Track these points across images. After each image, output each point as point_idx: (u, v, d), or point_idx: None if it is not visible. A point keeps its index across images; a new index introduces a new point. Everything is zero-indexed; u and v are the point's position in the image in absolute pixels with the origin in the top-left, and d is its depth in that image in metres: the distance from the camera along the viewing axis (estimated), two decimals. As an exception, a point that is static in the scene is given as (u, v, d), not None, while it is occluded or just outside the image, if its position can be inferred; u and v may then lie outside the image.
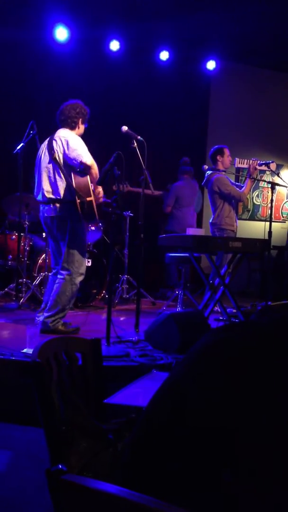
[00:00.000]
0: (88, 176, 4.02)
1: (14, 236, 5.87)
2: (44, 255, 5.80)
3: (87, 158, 3.99)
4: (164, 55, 7.95)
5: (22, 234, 5.71)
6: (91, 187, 4.03)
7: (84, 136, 4.38)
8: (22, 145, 5.31)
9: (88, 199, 3.98)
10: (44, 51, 7.27)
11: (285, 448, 0.72)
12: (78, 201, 3.98)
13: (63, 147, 4.08)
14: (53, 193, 4.13)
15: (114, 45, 7.61)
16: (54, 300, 4.16)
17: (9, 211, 6.03)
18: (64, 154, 4.06)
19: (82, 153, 4.00)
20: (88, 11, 6.91)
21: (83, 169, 4.01)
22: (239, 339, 0.81)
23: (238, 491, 0.72)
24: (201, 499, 0.73)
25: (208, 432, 0.76)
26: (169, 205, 6.86)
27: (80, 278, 4.22)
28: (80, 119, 4.29)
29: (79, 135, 4.28)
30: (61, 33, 7.17)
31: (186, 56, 8.09)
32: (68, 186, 4.04)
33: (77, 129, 4.29)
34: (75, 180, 4.03)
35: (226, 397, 0.76)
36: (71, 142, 4.07)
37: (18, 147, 5.32)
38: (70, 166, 4.06)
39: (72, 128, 4.26)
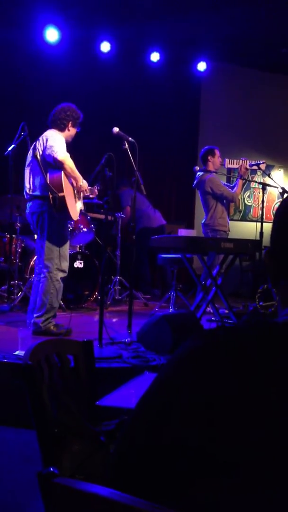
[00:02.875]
0: (62, 172, 4.05)
1: (5, 238, 5.86)
2: (36, 257, 5.78)
3: (60, 153, 4.02)
4: (155, 57, 7.97)
5: (13, 235, 5.70)
6: (64, 182, 4.04)
7: (75, 137, 4.39)
8: (13, 147, 5.29)
9: (60, 194, 4.00)
10: (35, 52, 7.26)
11: (272, 451, 0.73)
12: (51, 196, 4.02)
13: (43, 145, 4.13)
14: (32, 190, 4.20)
15: (105, 47, 7.62)
16: (41, 300, 4.18)
17: (0, 213, 6.02)
18: (43, 151, 4.12)
19: (56, 148, 4.03)
20: (79, 12, 6.91)
21: (58, 165, 4.04)
22: (219, 345, 0.81)
23: (231, 493, 0.72)
24: (192, 501, 0.74)
25: (191, 439, 0.76)
26: (128, 206, 6.84)
27: (61, 275, 4.22)
28: (70, 122, 4.30)
29: (68, 138, 4.31)
30: (52, 34, 7.17)
31: (177, 58, 8.12)
32: (45, 182, 4.08)
33: (66, 131, 4.31)
34: (49, 176, 4.07)
35: (206, 403, 0.77)
36: (50, 139, 4.12)
37: (9, 149, 5.30)
38: (48, 163, 4.10)
39: (61, 129, 4.28)
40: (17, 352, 3.45)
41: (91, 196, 4.70)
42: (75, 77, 7.39)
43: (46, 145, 4.09)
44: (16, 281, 5.65)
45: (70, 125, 4.31)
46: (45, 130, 4.32)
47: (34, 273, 4.55)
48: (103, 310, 3.91)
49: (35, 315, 4.17)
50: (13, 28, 6.81)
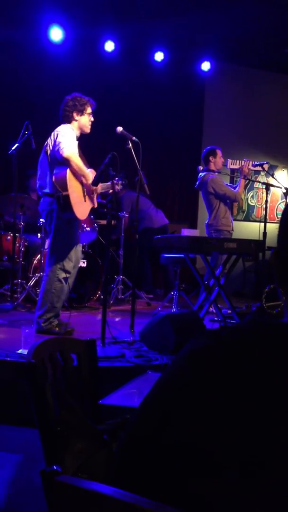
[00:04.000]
0: (68, 170, 3.98)
1: (9, 237, 5.87)
2: (39, 256, 5.80)
3: (66, 149, 3.94)
4: (159, 56, 7.96)
5: (17, 234, 5.70)
6: (69, 180, 3.97)
7: (80, 136, 4.36)
8: (17, 146, 5.30)
9: (64, 193, 3.95)
10: (39, 52, 7.27)
11: (274, 451, 0.73)
12: (56, 195, 4.00)
13: (54, 140, 4.07)
14: (43, 187, 4.16)
15: (109, 46, 7.62)
16: (42, 298, 4.16)
17: (4, 212, 6.03)
18: (53, 147, 4.07)
19: (63, 144, 3.96)
20: (83, 12, 6.91)
21: (64, 162, 3.98)
22: (222, 346, 0.81)
23: (234, 493, 0.72)
24: (195, 501, 0.74)
25: (194, 439, 0.76)
26: (127, 211, 6.85)
27: (65, 275, 4.15)
28: (74, 112, 4.21)
29: (83, 128, 4.23)
30: (56, 34, 7.17)
31: (181, 57, 8.11)
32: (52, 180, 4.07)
33: (73, 122, 4.22)
34: (54, 173, 4.01)
35: (209, 404, 0.77)
36: (59, 135, 4.05)
37: (13, 148, 5.31)
38: (56, 160, 4.04)
39: (68, 122, 4.22)
40: (20, 351, 3.45)
41: (110, 191, 4.53)
42: (79, 76, 7.39)
43: (55, 141, 4.04)
44: (19, 280, 5.65)
45: (75, 114, 4.21)
46: (49, 128, 4.30)
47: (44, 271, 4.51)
48: (106, 309, 3.91)
49: (37, 314, 4.18)
50: (18, 27, 6.81)
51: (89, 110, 4.28)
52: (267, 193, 5.23)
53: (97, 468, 1.36)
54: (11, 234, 5.72)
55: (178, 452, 0.76)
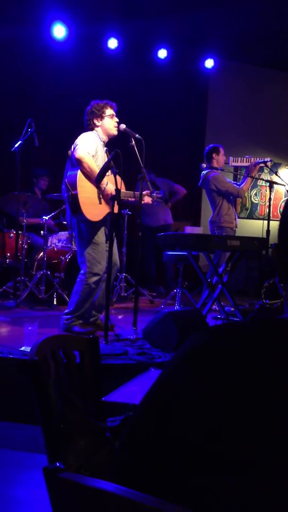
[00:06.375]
0: (79, 170, 3.99)
1: (12, 234, 5.87)
2: (42, 254, 5.80)
3: (80, 150, 3.96)
4: (162, 53, 7.96)
5: (20, 232, 5.70)
6: (80, 180, 3.97)
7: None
8: (20, 143, 5.30)
9: (73, 192, 3.95)
10: (42, 49, 7.27)
11: (275, 448, 0.72)
12: (66, 195, 4.01)
13: (74, 144, 4.10)
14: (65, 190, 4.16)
15: (112, 43, 7.62)
16: (71, 297, 4.19)
17: (7, 209, 6.03)
18: (72, 151, 4.10)
19: (78, 146, 3.99)
20: (86, 9, 6.91)
21: (77, 163, 3.99)
22: (222, 343, 0.81)
23: (236, 491, 0.72)
24: (197, 498, 0.74)
25: (193, 435, 0.76)
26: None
27: (95, 279, 4.06)
28: (93, 119, 4.21)
29: (108, 131, 4.22)
30: (59, 31, 7.17)
31: (184, 55, 8.10)
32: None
33: (96, 128, 4.22)
34: (68, 174, 4.03)
35: (210, 401, 0.77)
36: (79, 138, 4.08)
37: (16, 145, 5.31)
38: (72, 162, 4.08)
39: (91, 129, 4.23)
40: (23, 348, 3.46)
41: (130, 199, 4.38)
42: (82, 74, 7.40)
43: (74, 145, 4.06)
44: (22, 277, 5.66)
45: (95, 121, 4.21)
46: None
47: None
48: (109, 307, 3.91)
49: (64, 311, 4.20)
50: (21, 24, 6.81)
51: (108, 112, 4.24)
52: (270, 191, 5.22)
53: (100, 465, 1.36)
54: (14, 232, 5.73)
55: (179, 449, 0.76)
